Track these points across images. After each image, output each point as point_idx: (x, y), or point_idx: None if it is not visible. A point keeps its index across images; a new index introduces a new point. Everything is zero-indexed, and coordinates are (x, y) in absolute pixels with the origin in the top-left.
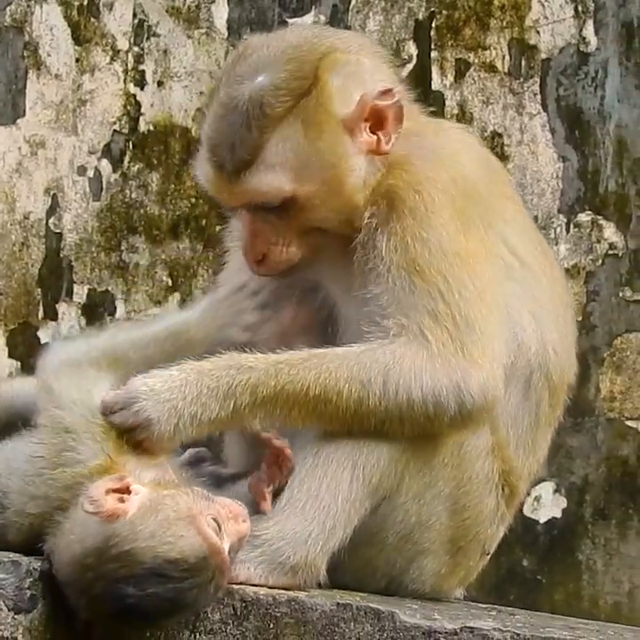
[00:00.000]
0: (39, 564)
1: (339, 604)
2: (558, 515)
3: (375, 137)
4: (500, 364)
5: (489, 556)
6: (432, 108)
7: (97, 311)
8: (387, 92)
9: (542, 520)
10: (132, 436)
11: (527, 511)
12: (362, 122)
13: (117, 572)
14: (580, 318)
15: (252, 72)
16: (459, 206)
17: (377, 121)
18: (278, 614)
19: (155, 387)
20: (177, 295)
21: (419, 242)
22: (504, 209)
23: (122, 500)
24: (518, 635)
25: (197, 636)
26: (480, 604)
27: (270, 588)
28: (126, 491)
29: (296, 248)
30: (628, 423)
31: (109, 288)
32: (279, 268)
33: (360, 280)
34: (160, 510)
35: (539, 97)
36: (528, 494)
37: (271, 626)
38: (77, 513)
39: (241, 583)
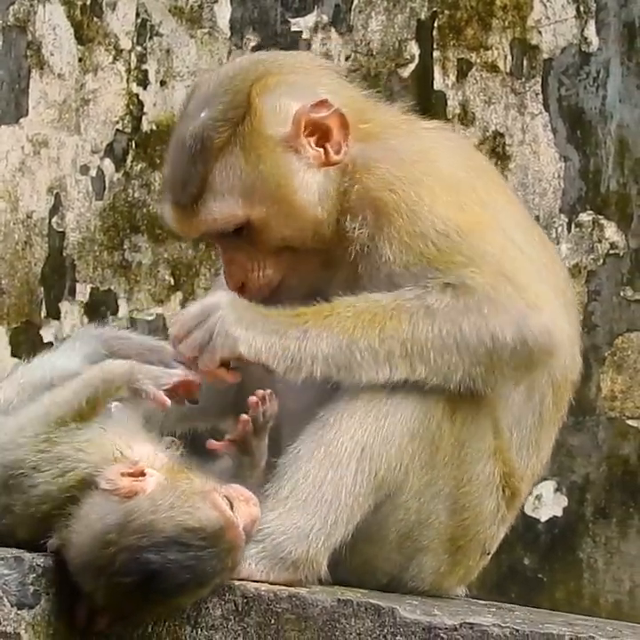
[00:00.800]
0: (42, 559)
1: (339, 599)
2: (559, 513)
3: (322, 149)
4: (559, 309)
5: (490, 556)
6: (434, 108)
7: (99, 310)
8: (321, 104)
9: (543, 519)
10: (209, 349)
11: (528, 510)
12: (302, 137)
13: (139, 542)
14: (581, 318)
15: (197, 109)
16: (440, 191)
17: (322, 133)
18: (279, 610)
19: (229, 295)
20: (179, 294)
21: (417, 237)
22: (493, 200)
23: (138, 481)
24: (517, 631)
25: (199, 632)
26: (480, 601)
27: (271, 583)
28: (140, 474)
29: (273, 270)
30: (629, 422)
31: (112, 287)
32: (263, 293)
33: (378, 282)
34: (177, 487)
35: (540, 97)
36: (530, 493)
37: (272, 621)
38: (94, 497)
39: (242, 579)
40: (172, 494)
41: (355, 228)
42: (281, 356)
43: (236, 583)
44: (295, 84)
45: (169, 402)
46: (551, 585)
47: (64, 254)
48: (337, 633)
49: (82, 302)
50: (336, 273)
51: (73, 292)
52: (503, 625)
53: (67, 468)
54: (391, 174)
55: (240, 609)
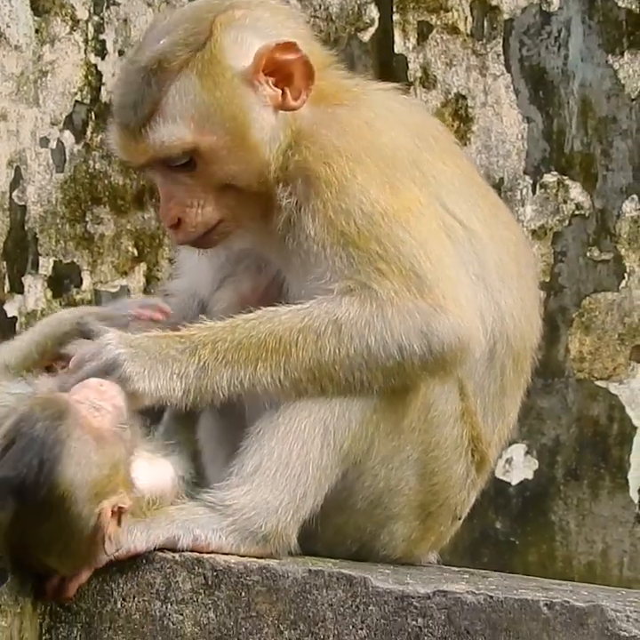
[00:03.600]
0: None
1: (310, 570)
2: (530, 476)
3: (280, 91)
4: (469, 304)
5: (461, 521)
6: (395, 72)
7: (63, 283)
8: (288, 46)
9: (514, 482)
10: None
11: (499, 473)
12: (261, 74)
13: None
14: (547, 279)
15: (155, 38)
16: (375, 170)
17: (283, 76)
18: (250, 583)
19: (124, 337)
20: (143, 265)
21: (342, 214)
22: (438, 172)
23: None
24: (492, 597)
25: (169, 607)
26: (453, 568)
27: (241, 556)
28: None
29: (212, 208)
30: (598, 383)
31: (75, 260)
32: (198, 232)
33: (299, 259)
34: None
35: (502, 58)
36: (499, 456)
37: (243, 594)
38: None
39: (212, 552)
40: None
41: (284, 197)
42: (182, 396)
43: (206, 557)
44: (261, 21)
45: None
46: (524, 548)
47: (26, 228)
48: (309, 604)
49: (45, 276)
50: (269, 238)
51: (36, 266)
52: (477, 592)
53: None
54: (332, 145)
55: (210, 582)
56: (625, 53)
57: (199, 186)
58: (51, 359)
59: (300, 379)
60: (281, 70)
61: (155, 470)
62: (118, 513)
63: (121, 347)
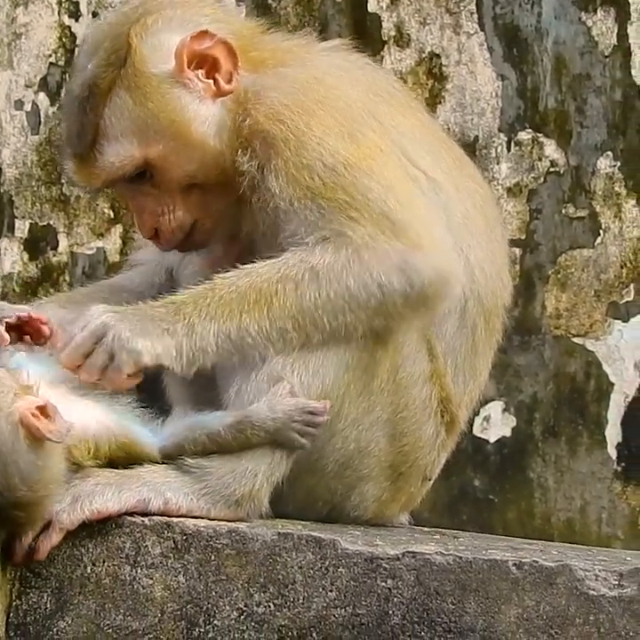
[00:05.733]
0: None
1: (280, 533)
2: (508, 434)
3: (212, 80)
4: (446, 242)
5: (431, 482)
6: (369, 31)
7: (39, 245)
8: (202, 34)
9: (492, 440)
10: (113, 368)
11: (477, 431)
12: (187, 70)
13: None
14: (523, 237)
15: (83, 63)
16: (331, 121)
17: (210, 65)
18: (219, 546)
19: (107, 307)
20: (119, 227)
21: (304, 169)
22: (397, 124)
23: None
24: (461, 558)
25: (139, 571)
26: (424, 528)
27: (211, 519)
28: None
29: (183, 211)
30: (575, 340)
31: (51, 222)
32: (177, 237)
33: (268, 219)
34: None
35: (475, 16)
36: (477, 414)
37: (213, 558)
38: None
39: (182, 515)
40: None
41: (245, 162)
42: (175, 356)
43: (175, 520)
44: (174, 19)
45: (8, 338)
46: (502, 505)
47: (1, 191)
48: (278, 567)
49: (21, 238)
50: (245, 212)
51: (12, 229)
52: (446, 553)
53: None
54: (281, 103)
55: (179, 546)
56: (598, 10)
57: (165, 193)
58: None
59: (286, 327)
60: (205, 60)
61: (75, 409)
62: (40, 411)
63: (105, 314)
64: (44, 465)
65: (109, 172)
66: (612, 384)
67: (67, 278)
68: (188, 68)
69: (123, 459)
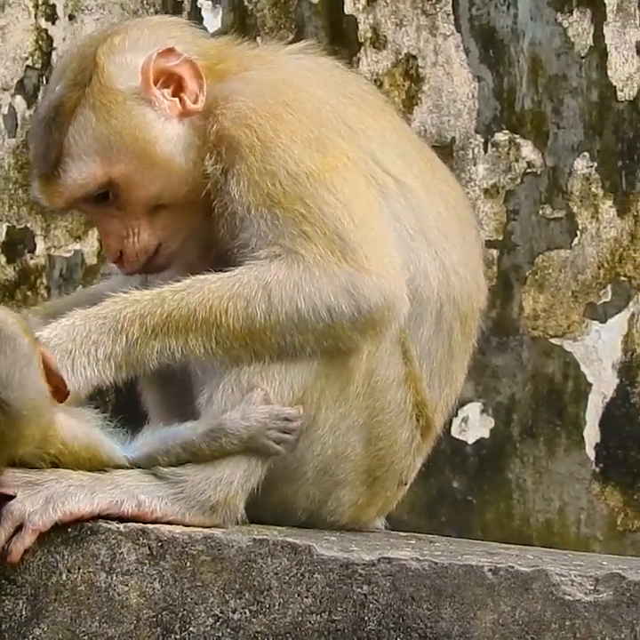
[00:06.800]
0: None
1: (255, 539)
2: (486, 435)
3: (177, 99)
4: (394, 265)
5: (407, 487)
6: (345, 33)
7: (17, 248)
8: (168, 52)
9: (470, 441)
10: None
11: (455, 432)
12: (153, 88)
13: None
14: (500, 238)
15: (52, 86)
16: (299, 127)
17: (176, 84)
18: (194, 552)
19: (42, 334)
20: (96, 230)
21: (267, 176)
22: (367, 127)
23: None
24: (436, 563)
25: (114, 578)
26: (400, 533)
27: (186, 525)
28: None
29: (148, 234)
30: (553, 341)
31: (28, 225)
32: (140, 261)
33: (226, 224)
34: None
35: (452, 17)
36: (455, 415)
37: (188, 564)
38: None
39: (156, 520)
40: None
41: (210, 165)
42: (115, 374)
43: (150, 527)
44: (141, 39)
45: None
46: (481, 507)
47: None
48: (254, 573)
49: None
50: (217, 224)
51: None
52: (421, 558)
53: None
54: (248, 107)
55: (155, 553)
56: (574, 11)
57: (130, 215)
58: None
59: (233, 346)
60: (171, 78)
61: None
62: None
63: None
64: (38, 400)
65: (72, 191)
66: (590, 385)
67: (44, 281)
68: (155, 85)
69: (92, 468)
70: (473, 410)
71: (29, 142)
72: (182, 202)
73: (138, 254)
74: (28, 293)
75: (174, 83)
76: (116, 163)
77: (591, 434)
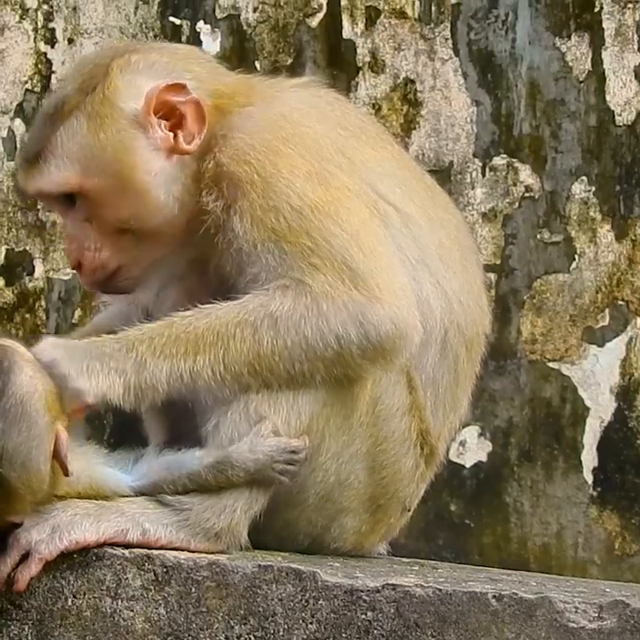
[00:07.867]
0: None
1: (260, 565)
2: (484, 458)
3: (172, 134)
4: (405, 293)
5: (410, 513)
6: (344, 57)
7: (16, 271)
8: (178, 87)
9: (468, 464)
10: None
11: (453, 456)
12: (151, 116)
13: None
14: (498, 262)
15: (63, 83)
16: (299, 161)
17: (176, 119)
18: (199, 578)
19: (58, 341)
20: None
21: (270, 211)
22: (367, 158)
23: None
24: (440, 590)
25: (119, 603)
26: (403, 559)
27: (191, 551)
28: None
29: (109, 254)
30: (550, 365)
31: (27, 248)
32: (97, 277)
33: (231, 259)
34: None
35: (450, 42)
36: (453, 439)
37: (193, 590)
38: None
39: (162, 547)
40: None
41: (210, 201)
42: (122, 393)
43: (156, 553)
44: (157, 64)
45: None
46: (478, 530)
47: None
48: (259, 599)
49: None
50: (193, 254)
51: None
52: (425, 585)
53: None
54: (246, 143)
55: (160, 578)
56: (572, 36)
57: (96, 230)
58: None
59: (241, 372)
60: (172, 113)
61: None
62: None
63: (56, 349)
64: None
65: (41, 187)
66: (588, 408)
67: (43, 304)
68: (154, 114)
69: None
70: (470, 433)
71: (29, 131)
72: (152, 232)
73: (95, 270)
74: (27, 316)
75: (175, 118)
76: (92, 175)
77: (589, 458)
